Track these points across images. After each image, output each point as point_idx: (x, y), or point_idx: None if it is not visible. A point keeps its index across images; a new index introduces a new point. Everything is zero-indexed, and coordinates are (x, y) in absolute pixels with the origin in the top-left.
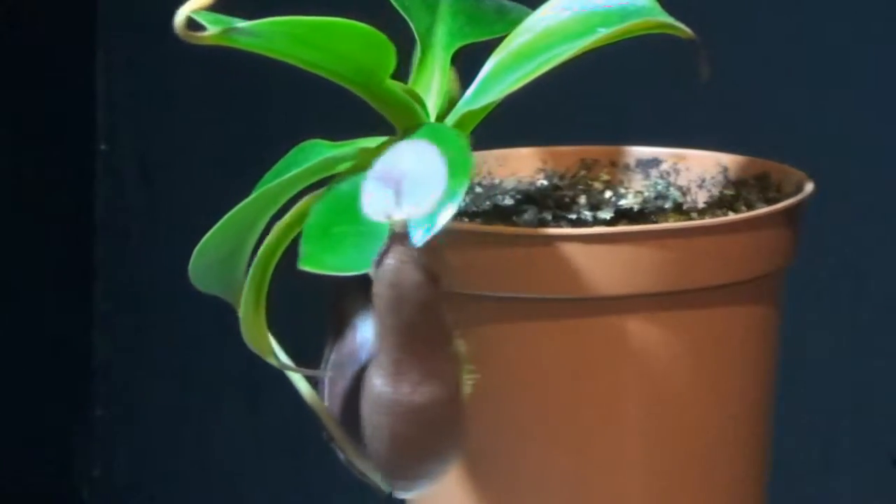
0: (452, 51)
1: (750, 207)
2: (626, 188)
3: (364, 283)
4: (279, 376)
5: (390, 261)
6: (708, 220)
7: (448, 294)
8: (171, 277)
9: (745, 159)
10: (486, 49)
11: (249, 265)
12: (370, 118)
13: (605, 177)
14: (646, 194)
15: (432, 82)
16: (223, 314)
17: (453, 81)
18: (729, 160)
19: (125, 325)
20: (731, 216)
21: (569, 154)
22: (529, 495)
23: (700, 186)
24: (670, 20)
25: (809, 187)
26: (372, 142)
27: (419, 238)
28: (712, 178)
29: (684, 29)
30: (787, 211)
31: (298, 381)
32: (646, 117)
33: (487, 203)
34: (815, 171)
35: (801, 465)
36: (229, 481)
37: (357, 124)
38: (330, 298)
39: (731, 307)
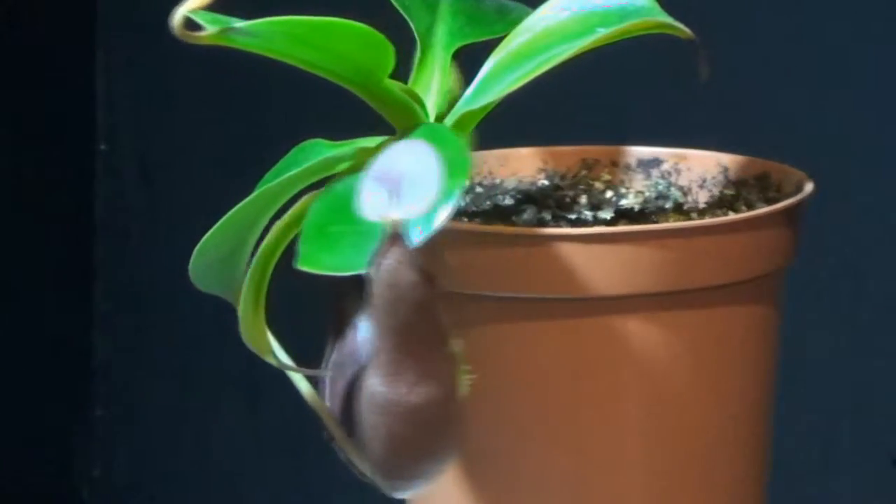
0: (452, 51)
1: (750, 207)
2: (628, 188)
3: (365, 282)
4: (279, 376)
5: (386, 261)
6: (708, 220)
7: (445, 294)
8: (171, 277)
9: (746, 159)
10: (486, 49)
11: (249, 265)
12: (370, 118)
13: (607, 177)
14: (647, 194)
15: (432, 82)
16: (223, 314)
17: (456, 81)
18: (729, 160)
19: (125, 325)
20: (731, 216)
21: (570, 154)
22: (529, 495)
23: (701, 186)
24: (669, 20)
25: (809, 187)
26: (371, 142)
27: (416, 238)
28: (713, 178)
29: (683, 29)
30: (787, 211)
31: (299, 380)
32: (646, 117)
33: (488, 203)
34: (815, 171)
35: (801, 465)
36: (229, 481)
37: (357, 124)
38: (331, 298)
39: (731, 307)
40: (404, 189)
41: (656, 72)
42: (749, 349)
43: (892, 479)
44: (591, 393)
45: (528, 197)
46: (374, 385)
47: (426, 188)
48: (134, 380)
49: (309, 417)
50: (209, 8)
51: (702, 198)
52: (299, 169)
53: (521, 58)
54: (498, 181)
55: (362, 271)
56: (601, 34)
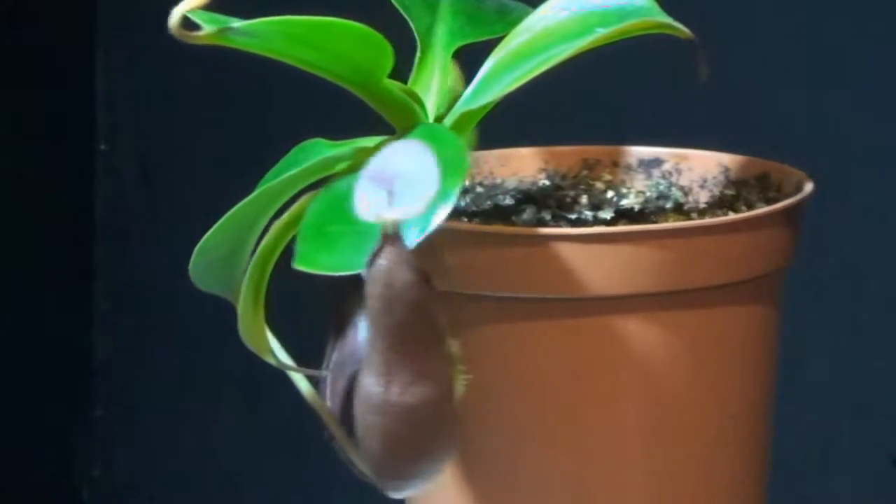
0: (452, 50)
1: (750, 207)
2: (628, 188)
3: (361, 282)
4: (279, 376)
5: (382, 261)
6: (707, 220)
7: (443, 294)
8: (171, 277)
9: (746, 159)
10: (486, 48)
11: (249, 264)
12: (370, 118)
13: (608, 177)
14: (648, 194)
15: (432, 82)
16: (223, 314)
17: (457, 80)
18: (730, 160)
19: (125, 325)
20: (731, 216)
21: (571, 154)
22: (529, 495)
23: (702, 186)
24: (668, 20)
25: (809, 187)
26: (370, 141)
27: (413, 239)
28: (714, 178)
29: (682, 29)
30: (787, 211)
31: (299, 380)
32: (646, 117)
33: (488, 203)
34: (815, 171)
35: (801, 465)
36: (229, 481)
37: (357, 124)
38: (331, 297)
39: (730, 307)
40: (400, 189)
41: (656, 72)
42: (749, 349)
43: (892, 479)
44: (591, 393)
45: (529, 197)
46: (370, 385)
47: (422, 188)
48: (134, 380)
49: (309, 417)
50: (207, 8)
51: (702, 198)
52: (299, 169)
53: (520, 58)
54: (499, 181)
55: (360, 271)
56: (600, 34)
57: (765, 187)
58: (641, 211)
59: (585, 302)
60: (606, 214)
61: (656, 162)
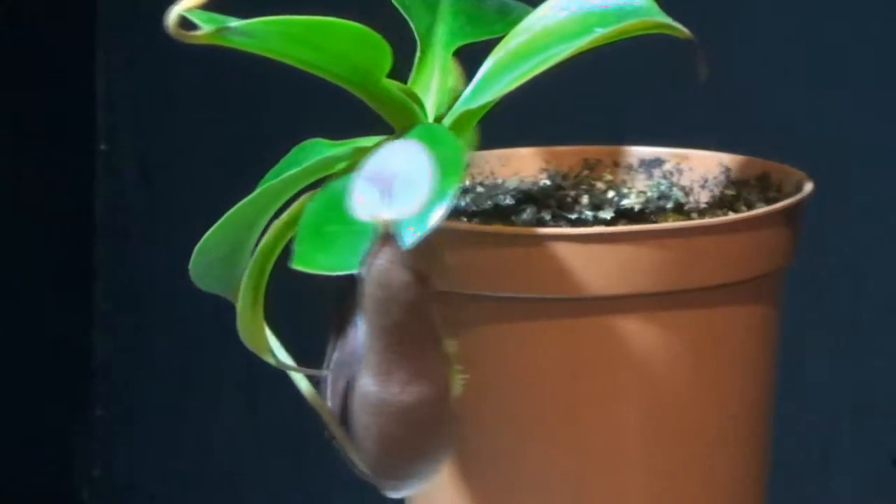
0: (452, 50)
1: (750, 207)
2: (629, 188)
3: (357, 282)
4: (279, 376)
5: (378, 261)
6: (706, 220)
7: (441, 294)
8: (171, 277)
9: (747, 159)
10: (487, 48)
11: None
12: (370, 118)
13: (609, 177)
14: (649, 194)
15: (431, 82)
16: (223, 314)
17: (459, 80)
18: (730, 160)
19: (125, 325)
20: (731, 216)
21: (572, 154)
22: (528, 495)
23: (703, 186)
24: (667, 20)
25: (809, 187)
26: (369, 141)
27: (409, 239)
28: (714, 178)
29: (681, 29)
30: (786, 211)
31: (299, 379)
32: (646, 117)
33: (488, 203)
34: (815, 171)
35: (801, 465)
36: (229, 481)
37: (357, 124)
38: (332, 297)
39: (730, 307)
40: (396, 189)
41: (657, 72)
42: (749, 349)
43: (892, 479)
44: (591, 393)
45: (530, 197)
46: (367, 385)
47: (418, 188)
48: (134, 380)
49: (309, 417)
50: (205, 7)
51: (703, 198)
52: (299, 168)
53: (519, 57)
54: (499, 181)
55: (357, 271)
56: (599, 34)
57: (765, 187)
58: (642, 211)
59: (585, 302)
60: (607, 214)
61: (657, 162)
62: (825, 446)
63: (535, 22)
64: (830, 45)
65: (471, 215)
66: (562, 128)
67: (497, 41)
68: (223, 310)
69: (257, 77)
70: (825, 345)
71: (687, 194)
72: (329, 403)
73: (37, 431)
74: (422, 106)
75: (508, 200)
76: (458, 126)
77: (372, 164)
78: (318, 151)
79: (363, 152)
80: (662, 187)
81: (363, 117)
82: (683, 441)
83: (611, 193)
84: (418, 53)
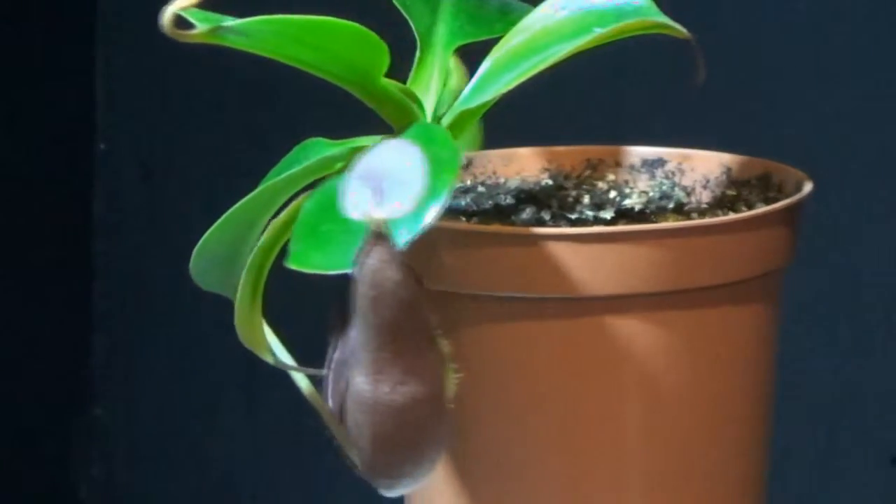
0: (452, 50)
1: (750, 207)
2: (632, 188)
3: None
4: (279, 376)
5: (370, 260)
6: (705, 220)
7: (436, 293)
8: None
9: (748, 159)
10: (488, 48)
11: None
12: (371, 118)
13: (611, 177)
14: (650, 194)
15: (431, 81)
16: (223, 314)
17: (462, 79)
18: (732, 160)
19: (125, 325)
20: (730, 216)
21: (574, 154)
22: (527, 495)
23: (704, 187)
24: (666, 20)
25: (808, 187)
26: (368, 141)
27: (403, 238)
28: (716, 178)
29: (680, 29)
30: (786, 211)
31: (299, 378)
32: (647, 117)
33: (489, 202)
34: (815, 171)
35: (801, 465)
36: (228, 481)
37: (357, 124)
38: (334, 296)
39: (730, 307)
40: (388, 188)
41: (658, 72)
42: (748, 349)
43: (892, 479)
44: (591, 393)
45: (531, 197)
46: (360, 383)
47: (410, 187)
48: (133, 380)
49: (308, 417)
50: (201, 6)
51: (705, 198)
52: (299, 167)
53: (518, 57)
54: (501, 181)
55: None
56: (597, 34)
57: (766, 187)
58: (642, 211)
59: (584, 302)
60: (607, 214)
61: (660, 162)
62: (825, 446)
63: (534, 21)
64: (830, 45)
65: (470, 215)
66: (564, 128)
67: (497, 41)
68: (223, 310)
69: (257, 77)
70: (825, 345)
71: (689, 194)
72: (330, 403)
73: (35, 430)
74: (420, 105)
75: (509, 200)
76: (456, 125)
77: (364, 163)
78: (319, 151)
79: (360, 152)
80: (664, 187)
81: (364, 117)
82: (683, 441)
83: (613, 193)
84: (418, 53)
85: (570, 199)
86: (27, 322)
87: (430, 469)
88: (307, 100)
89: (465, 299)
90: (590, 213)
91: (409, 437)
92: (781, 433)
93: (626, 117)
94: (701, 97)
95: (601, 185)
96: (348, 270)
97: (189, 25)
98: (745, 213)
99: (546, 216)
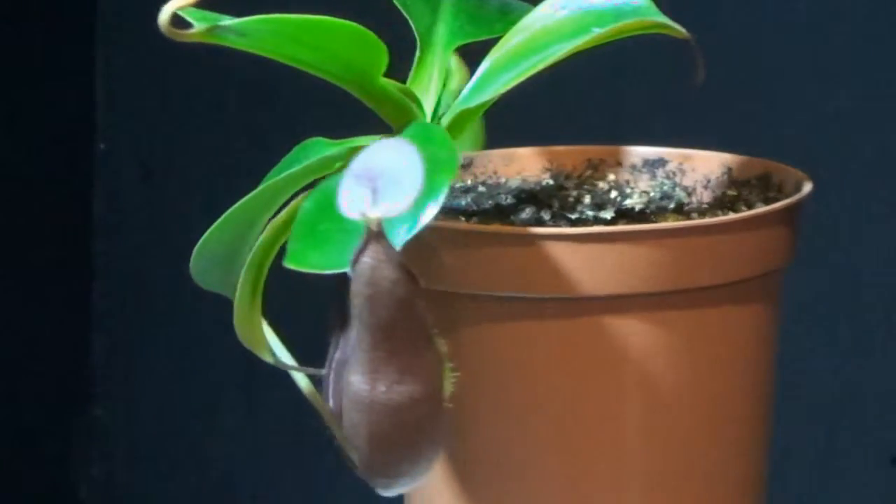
0: (452, 49)
1: (750, 207)
2: (633, 188)
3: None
4: (279, 376)
5: (366, 259)
6: (705, 220)
7: (435, 293)
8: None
9: (748, 160)
10: (487, 47)
11: None
12: (371, 118)
13: (612, 177)
14: (651, 194)
15: (431, 81)
16: (223, 314)
17: (465, 79)
18: (733, 160)
19: (124, 325)
20: (729, 216)
21: (575, 154)
22: (526, 495)
23: (705, 187)
24: (664, 20)
25: (808, 187)
26: (367, 141)
27: (400, 238)
28: (717, 178)
29: (679, 29)
30: (785, 211)
31: (299, 377)
32: (646, 117)
33: (490, 202)
34: (815, 171)
35: (801, 465)
36: (228, 481)
37: (357, 124)
38: (335, 296)
39: (729, 307)
40: (384, 187)
41: (657, 72)
42: (748, 349)
43: (892, 479)
44: (590, 393)
45: (531, 196)
46: (356, 382)
47: (406, 186)
48: (133, 380)
49: (308, 418)
50: (199, 5)
51: (706, 198)
52: (299, 167)
53: (517, 57)
54: (502, 180)
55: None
56: (596, 34)
57: (766, 187)
58: (642, 211)
59: (583, 302)
60: (607, 214)
61: (661, 162)
62: (825, 446)
63: (533, 21)
64: (830, 45)
65: (470, 215)
66: (564, 128)
67: (497, 41)
68: (223, 309)
69: (257, 77)
70: (825, 345)
71: (690, 194)
72: (331, 403)
73: (35, 430)
74: (420, 105)
75: (510, 200)
76: (456, 125)
77: (360, 162)
78: (319, 150)
79: (358, 151)
80: (665, 187)
81: (363, 117)
82: (683, 441)
83: (614, 193)
84: (418, 53)
85: (571, 199)
86: (27, 322)
87: (428, 468)
88: (307, 100)
89: (465, 299)
90: (590, 213)
91: (406, 436)
92: (781, 433)
93: (625, 117)
94: (701, 97)
95: (602, 185)
96: (346, 270)
97: (187, 25)
98: (745, 213)
99: (546, 216)
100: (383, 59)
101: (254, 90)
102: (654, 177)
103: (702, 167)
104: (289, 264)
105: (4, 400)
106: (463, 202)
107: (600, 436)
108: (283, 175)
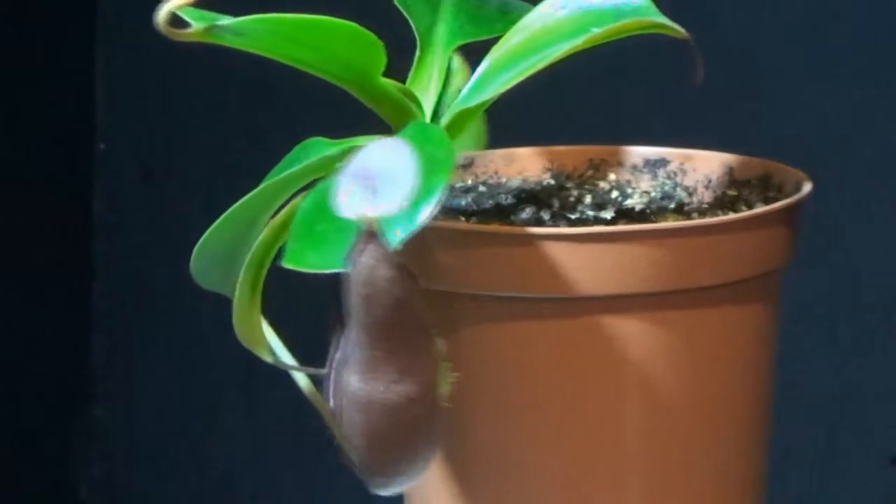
0: (452, 49)
1: (750, 208)
2: (634, 188)
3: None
4: (279, 376)
5: (362, 259)
6: (704, 220)
7: (432, 293)
8: (171, 277)
9: (749, 160)
10: (488, 47)
11: None
12: (371, 118)
13: (613, 177)
14: (652, 194)
15: (430, 81)
16: (223, 314)
17: (466, 78)
18: (733, 161)
19: (124, 325)
20: (729, 216)
21: (577, 154)
22: (525, 495)
23: (706, 187)
24: (664, 20)
25: (807, 187)
26: (366, 140)
27: (397, 238)
28: (718, 178)
29: (678, 29)
30: (785, 211)
31: (299, 376)
32: (646, 117)
33: (490, 202)
34: (815, 172)
35: (801, 465)
36: (228, 481)
37: (358, 124)
38: (333, 296)
39: (729, 307)
40: (380, 187)
41: (657, 72)
42: (748, 349)
43: (892, 479)
44: (590, 393)
45: (532, 196)
46: (353, 382)
47: (402, 186)
48: (133, 380)
49: (308, 417)
50: (197, 4)
51: (707, 198)
52: (299, 167)
53: (517, 56)
54: (503, 180)
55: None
56: (595, 33)
57: (767, 188)
58: (642, 211)
59: (582, 302)
60: (607, 214)
61: (662, 162)
62: (825, 446)
63: (533, 21)
64: (830, 45)
65: (470, 214)
66: (563, 128)
67: (498, 40)
68: (222, 309)
69: (257, 77)
70: (825, 345)
71: (691, 195)
72: (331, 403)
73: (35, 430)
74: (419, 105)
75: (510, 200)
76: (455, 125)
77: (356, 162)
78: (320, 150)
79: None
80: (666, 187)
81: (363, 117)
82: (683, 441)
83: (615, 193)
84: (418, 52)
85: (572, 199)
86: (27, 322)
87: (425, 468)
88: (307, 100)
89: (465, 299)
90: (590, 213)
91: (404, 435)
92: (781, 433)
93: (625, 117)
94: (700, 97)
95: (603, 184)
96: (341, 269)
97: (185, 24)
98: (745, 213)
99: (546, 216)
100: (382, 59)
101: (254, 90)
102: (655, 177)
103: (703, 167)
104: (287, 264)
105: (4, 400)
106: (463, 202)
107: (600, 436)
108: (283, 175)
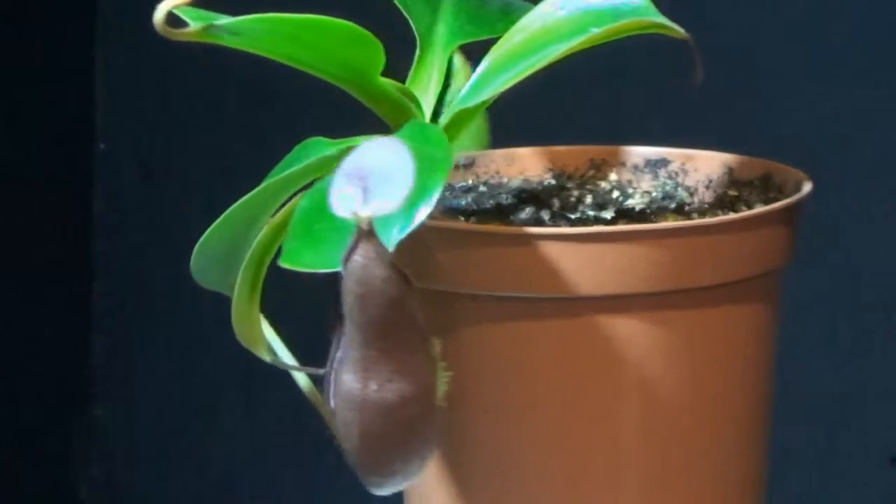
0: (452, 49)
1: (750, 208)
2: (635, 188)
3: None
4: (278, 376)
5: (357, 258)
6: (704, 220)
7: (421, 291)
8: (171, 277)
9: (749, 160)
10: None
11: None
12: (371, 118)
13: (614, 177)
14: (653, 194)
15: (430, 81)
16: (223, 314)
17: (468, 77)
18: (734, 161)
19: (124, 325)
20: (728, 216)
21: (578, 154)
22: (525, 495)
23: (707, 187)
24: (663, 20)
25: (807, 187)
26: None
27: (393, 238)
28: (718, 178)
29: (677, 29)
30: (785, 211)
31: (299, 376)
32: (645, 117)
33: (491, 202)
34: (815, 172)
35: (801, 465)
36: (228, 481)
37: (357, 124)
38: (333, 295)
39: (729, 307)
40: (375, 186)
41: (656, 72)
42: (748, 349)
43: (892, 479)
44: (589, 393)
45: (532, 196)
46: (348, 381)
47: (398, 185)
48: (133, 380)
49: (307, 417)
50: (195, 4)
51: (708, 198)
52: (299, 166)
53: (516, 56)
54: (504, 180)
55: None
56: (594, 33)
57: (767, 188)
58: (643, 211)
59: (582, 302)
60: (608, 214)
61: (663, 162)
62: (825, 446)
63: (532, 21)
64: (830, 45)
65: (471, 214)
66: (563, 128)
67: (498, 40)
68: (222, 309)
69: (257, 77)
70: (825, 345)
71: (691, 195)
72: (332, 402)
73: (35, 430)
74: (418, 104)
75: (511, 200)
76: (454, 125)
77: (351, 161)
78: (320, 150)
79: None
80: (668, 188)
81: (363, 117)
82: (682, 441)
83: (615, 193)
84: (418, 52)
85: (573, 199)
86: (27, 322)
87: (421, 467)
88: (307, 100)
89: (464, 299)
90: (590, 213)
91: (398, 435)
92: (781, 433)
93: (625, 117)
94: (700, 97)
95: (604, 184)
96: (338, 269)
97: (183, 24)
98: (745, 213)
99: (545, 216)
100: (380, 59)
101: (254, 90)
102: (656, 177)
103: (704, 167)
104: (284, 263)
105: (4, 400)
106: (464, 202)
107: (599, 436)
108: (282, 175)
